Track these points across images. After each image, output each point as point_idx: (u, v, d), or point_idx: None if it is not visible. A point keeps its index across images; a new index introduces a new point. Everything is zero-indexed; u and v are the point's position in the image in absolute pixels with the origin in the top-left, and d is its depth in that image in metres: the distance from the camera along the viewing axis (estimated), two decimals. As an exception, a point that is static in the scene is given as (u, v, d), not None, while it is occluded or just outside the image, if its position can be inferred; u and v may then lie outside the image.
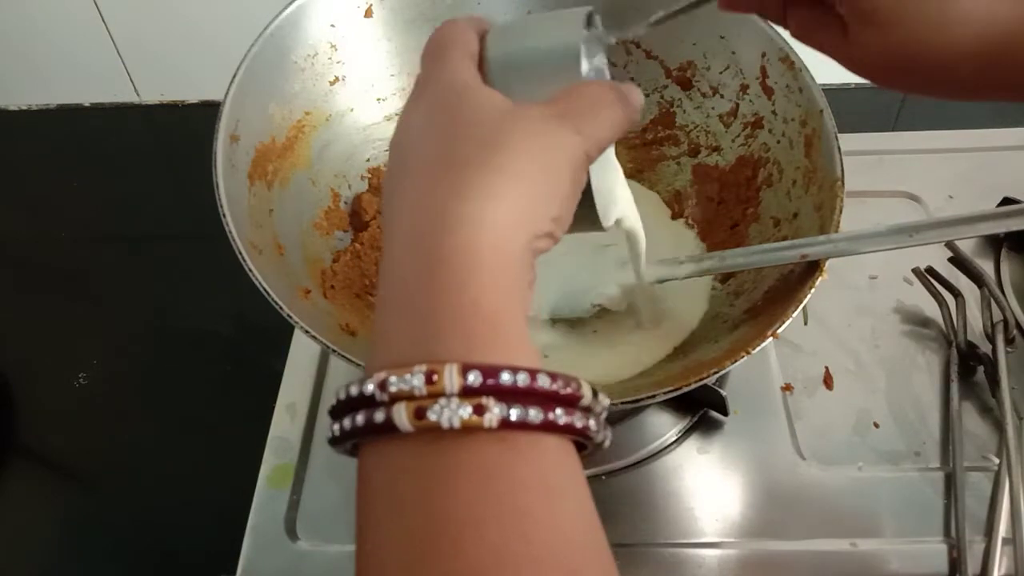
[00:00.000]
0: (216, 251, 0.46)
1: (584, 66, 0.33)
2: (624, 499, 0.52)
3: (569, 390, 0.24)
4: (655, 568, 0.50)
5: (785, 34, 0.54)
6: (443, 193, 0.27)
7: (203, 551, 0.54)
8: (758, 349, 0.43)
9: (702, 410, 0.56)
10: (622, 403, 0.43)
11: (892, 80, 0.34)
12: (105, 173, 0.81)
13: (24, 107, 0.87)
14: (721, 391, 0.54)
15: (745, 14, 0.51)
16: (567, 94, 0.31)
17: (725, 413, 0.55)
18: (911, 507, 0.52)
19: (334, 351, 0.42)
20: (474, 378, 0.23)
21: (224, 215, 0.45)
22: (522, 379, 0.23)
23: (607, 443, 0.26)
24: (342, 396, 0.25)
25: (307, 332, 0.42)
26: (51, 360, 0.66)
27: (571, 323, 0.55)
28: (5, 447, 0.61)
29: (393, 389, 0.23)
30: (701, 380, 0.42)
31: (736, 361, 0.43)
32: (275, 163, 0.52)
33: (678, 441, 0.56)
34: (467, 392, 0.23)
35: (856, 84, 0.84)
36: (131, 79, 0.84)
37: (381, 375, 0.24)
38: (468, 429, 0.23)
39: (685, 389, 0.42)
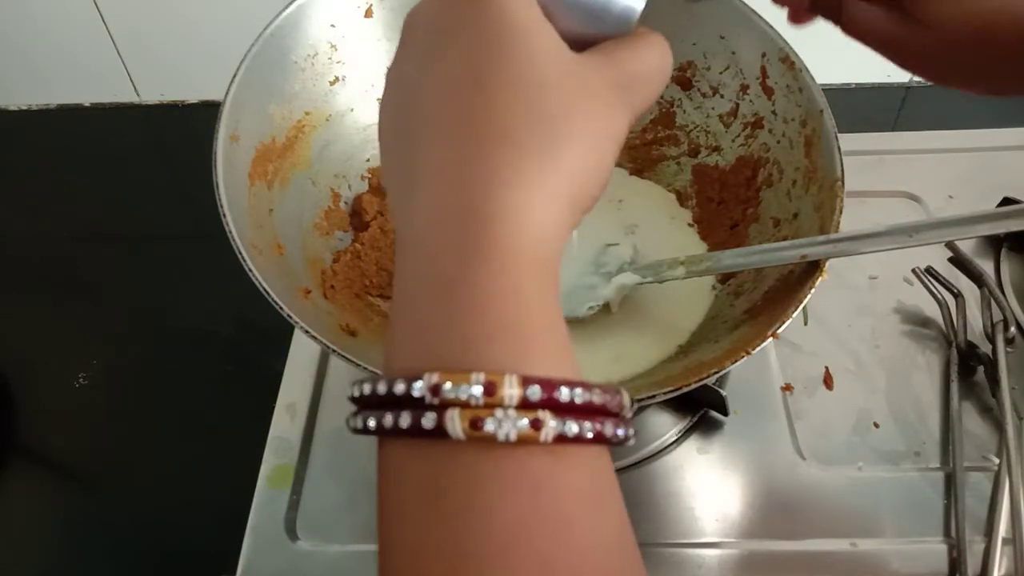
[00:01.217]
0: (216, 251, 0.46)
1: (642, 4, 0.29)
2: (624, 499, 0.52)
3: (616, 403, 0.24)
4: (655, 568, 0.50)
5: (785, 34, 0.54)
6: (487, 173, 0.24)
7: (203, 551, 0.54)
8: (758, 349, 0.43)
9: (702, 410, 0.56)
10: (622, 403, 0.43)
11: (952, 67, 0.34)
12: (105, 173, 0.81)
13: (24, 107, 0.87)
14: (721, 391, 0.54)
15: (748, 14, 0.52)
16: (631, 54, 0.28)
17: (725, 413, 0.55)
18: (911, 507, 0.52)
19: (334, 351, 0.42)
20: (533, 392, 0.22)
21: (224, 215, 0.45)
22: (579, 395, 0.23)
23: (631, 442, 0.26)
24: (381, 390, 0.23)
25: (307, 332, 0.42)
26: (51, 360, 0.66)
27: (571, 323, 0.55)
28: (5, 447, 0.61)
29: (449, 396, 0.22)
30: (701, 380, 0.42)
31: (736, 361, 0.43)
32: (275, 163, 0.52)
33: (678, 441, 0.56)
34: (525, 405, 0.22)
35: (856, 84, 0.84)
36: (131, 79, 0.84)
37: (433, 378, 0.22)
38: (521, 441, 0.22)
39: (685, 389, 0.42)
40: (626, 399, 0.25)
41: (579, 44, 0.28)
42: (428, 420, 0.22)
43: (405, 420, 0.23)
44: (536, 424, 0.22)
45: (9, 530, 0.58)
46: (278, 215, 0.51)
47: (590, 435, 0.23)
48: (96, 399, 0.63)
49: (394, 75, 0.28)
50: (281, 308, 0.42)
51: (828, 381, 0.59)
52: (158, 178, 0.83)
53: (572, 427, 0.22)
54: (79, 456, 0.61)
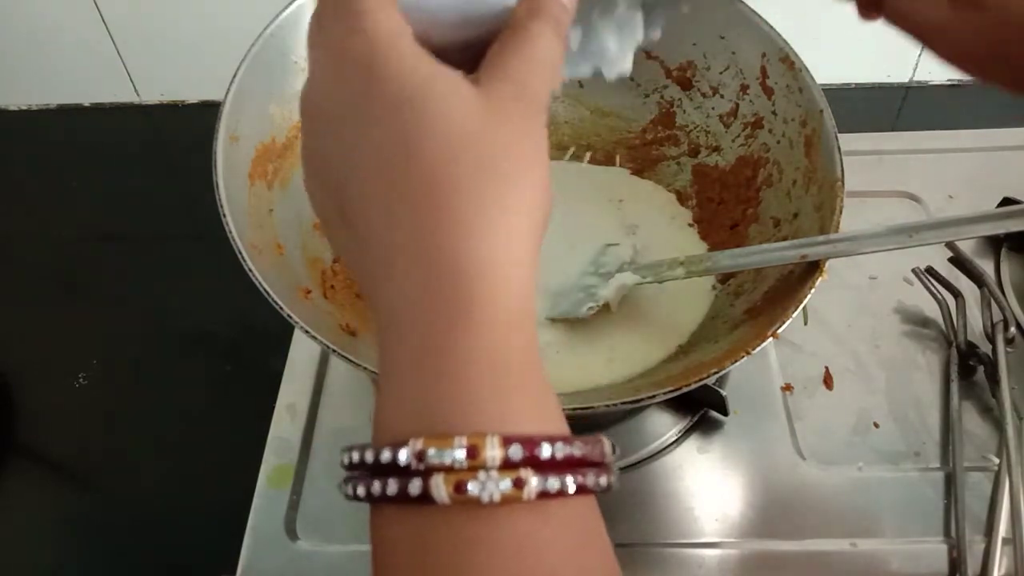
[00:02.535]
0: (216, 251, 0.46)
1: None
2: (624, 499, 0.52)
3: (597, 452, 0.24)
4: (655, 568, 0.50)
5: (785, 34, 0.54)
6: (446, 238, 0.24)
7: (203, 551, 0.54)
8: (758, 349, 0.43)
9: (702, 410, 0.56)
10: (622, 403, 0.43)
11: (1001, 59, 0.32)
12: (105, 173, 0.81)
13: (24, 107, 0.87)
14: (721, 391, 0.54)
15: (748, 14, 0.51)
16: (526, 65, 0.27)
17: (725, 413, 0.55)
18: (911, 507, 0.52)
19: (334, 351, 0.42)
20: (515, 452, 0.22)
21: (224, 215, 0.45)
22: (560, 450, 0.23)
23: (615, 488, 0.26)
24: (369, 458, 0.24)
25: (307, 332, 0.42)
26: (51, 360, 0.66)
27: (571, 323, 0.55)
28: (5, 447, 0.61)
29: (434, 462, 0.23)
30: (701, 380, 0.42)
31: (736, 361, 0.43)
32: (275, 163, 0.52)
33: (678, 441, 0.56)
34: (507, 465, 0.22)
35: (856, 84, 0.84)
36: (131, 79, 0.84)
37: (418, 445, 0.23)
38: (505, 501, 0.22)
39: (685, 389, 0.42)
40: (607, 447, 0.25)
41: (462, 48, 0.28)
42: (414, 487, 0.23)
43: (392, 487, 0.23)
44: (519, 483, 0.22)
45: (9, 530, 0.58)
46: (278, 215, 0.51)
47: (572, 489, 0.23)
48: (96, 399, 0.63)
49: (316, 164, 0.27)
50: (281, 308, 0.42)
51: (828, 381, 0.59)
52: (158, 178, 0.83)
53: (554, 483, 0.23)
54: (79, 456, 0.61)
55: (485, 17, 0.28)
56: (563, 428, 0.25)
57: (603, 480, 0.24)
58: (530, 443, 0.23)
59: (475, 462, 0.22)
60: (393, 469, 0.23)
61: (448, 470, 0.22)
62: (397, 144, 0.25)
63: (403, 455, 0.23)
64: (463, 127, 0.25)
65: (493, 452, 0.22)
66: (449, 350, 0.24)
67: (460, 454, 0.22)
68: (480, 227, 0.24)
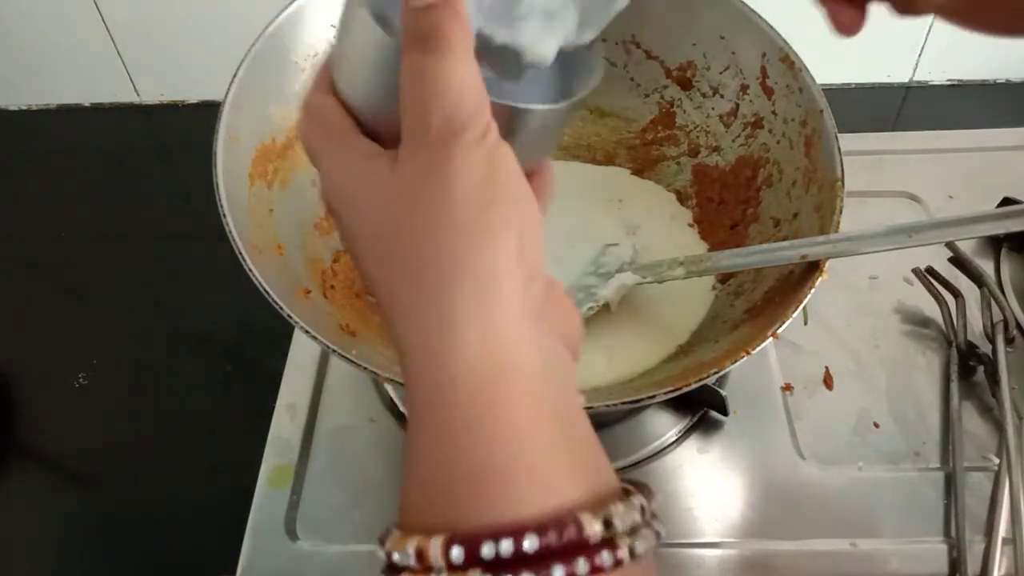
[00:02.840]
0: (216, 251, 0.46)
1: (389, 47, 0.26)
2: (624, 499, 0.52)
3: (569, 537, 0.22)
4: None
5: (785, 34, 0.54)
6: (439, 313, 0.24)
7: (203, 551, 0.54)
8: (758, 349, 0.43)
9: (702, 410, 0.56)
10: (622, 403, 0.43)
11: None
12: (105, 173, 0.81)
13: (24, 107, 0.87)
14: (721, 391, 0.54)
15: (748, 14, 0.51)
16: (411, 105, 0.25)
17: (725, 413, 0.55)
18: (911, 507, 0.52)
19: (334, 351, 0.42)
20: (457, 554, 0.21)
21: (224, 215, 0.45)
22: (505, 548, 0.21)
23: (662, 535, 0.25)
24: (380, 555, 0.24)
25: (307, 332, 0.42)
26: (51, 360, 0.66)
27: (571, 323, 0.55)
28: (5, 447, 0.61)
29: (398, 563, 0.23)
30: (701, 380, 0.42)
31: (736, 361, 0.43)
32: (275, 163, 0.52)
33: (678, 441, 0.56)
34: (454, 568, 0.22)
35: (856, 84, 0.84)
36: (131, 79, 0.84)
37: (387, 544, 0.23)
38: None
39: (685, 389, 0.42)
40: (589, 525, 0.22)
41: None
42: None
43: None
44: None
45: (9, 530, 0.58)
46: (278, 215, 0.51)
47: None
48: (96, 399, 0.63)
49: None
50: (281, 308, 0.42)
51: (828, 381, 0.59)
52: (158, 178, 0.83)
53: None
54: (79, 456, 0.61)
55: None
56: (545, 514, 0.23)
57: (582, 567, 0.22)
58: (472, 543, 0.21)
59: (424, 564, 0.22)
60: (389, 567, 0.23)
61: (413, 571, 0.22)
62: (362, 271, 0.27)
63: (381, 554, 0.24)
64: (375, 206, 0.26)
65: (436, 556, 0.22)
66: (411, 443, 0.24)
67: (410, 559, 0.22)
68: (424, 308, 0.25)
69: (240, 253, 0.44)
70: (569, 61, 0.30)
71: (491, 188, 0.25)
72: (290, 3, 0.53)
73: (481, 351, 0.24)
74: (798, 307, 0.44)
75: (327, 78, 0.29)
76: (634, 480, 0.25)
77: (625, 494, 0.24)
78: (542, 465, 0.23)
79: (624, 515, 0.23)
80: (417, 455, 0.24)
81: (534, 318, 0.25)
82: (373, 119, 0.28)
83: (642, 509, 0.24)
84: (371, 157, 0.26)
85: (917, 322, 0.62)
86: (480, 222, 0.24)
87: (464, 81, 0.24)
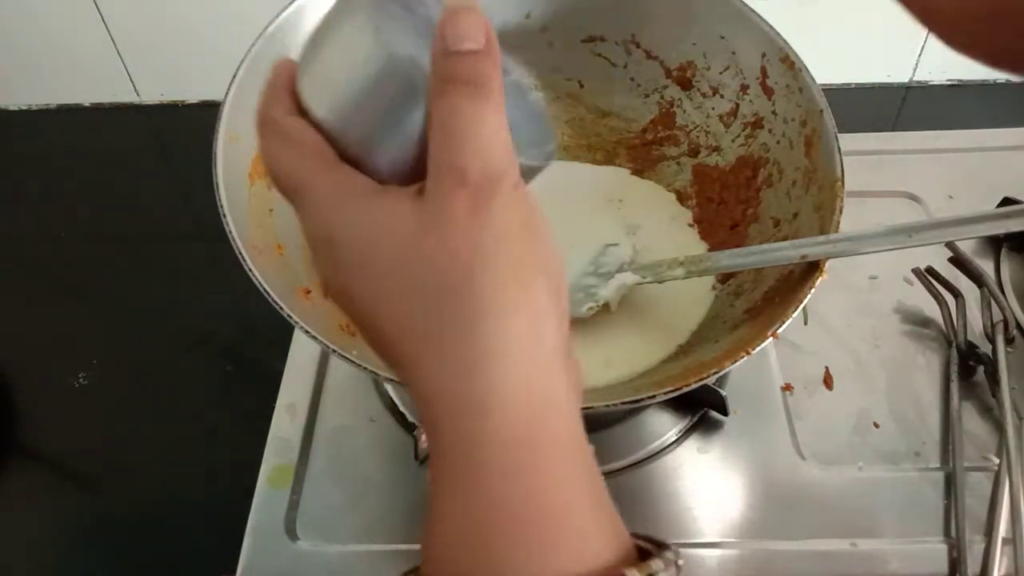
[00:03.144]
0: (216, 251, 0.46)
1: (409, 79, 0.25)
2: (624, 499, 0.52)
3: None
4: (655, 568, 0.50)
5: (785, 34, 0.54)
6: (465, 367, 0.24)
7: (203, 551, 0.54)
8: (758, 349, 0.43)
9: (702, 410, 0.56)
10: (622, 403, 0.43)
11: (972, 37, 0.30)
12: (105, 173, 0.81)
13: (24, 107, 0.87)
14: (721, 391, 0.54)
15: (748, 14, 0.51)
16: (444, 148, 0.24)
17: (725, 413, 0.55)
18: (911, 507, 0.52)
19: (334, 351, 0.42)
20: None
21: (224, 215, 0.45)
22: None
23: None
24: None
25: (307, 332, 0.42)
26: (51, 360, 0.66)
27: (571, 323, 0.55)
28: (5, 447, 0.61)
29: None
30: (701, 380, 0.42)
31: (736, 361, 0.43)
32: (275, 163, 0.52)
33: (678, 441, 0.56)
34: None
35: (856, 84, 0.84)
36: (131, 79, 0.84)
37: None
38: None
39: (685, 389, 0.42)
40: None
41: (409, 150, 0.26)
42: None
43: None
44: None
45: (9, 530, 0.58)
46: (278, 215, 0.51)
47: None
48: (96, 399, 0.63)
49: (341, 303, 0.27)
50: (281, 308, 0.42)
51: (828, 381, 0.59)
52: (158, 178, 0.83)
53: None
54: (79, 456, 0.61)
55: (407, 119, 0.26)
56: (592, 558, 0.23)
57: None
58: None
59: None
60: None
61: None
62: (369, 302, 0.25)
63: None
64: (404, 261, 0.24)
65: None
66: (462, 481, 0.23)
67: None
68: (462, 365, 0.24)
69: (240, 253, 0.44)
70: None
71: (530, 231, 0.25)
72: (290, 3, 0.53)
73: (527, 397, 0.24)
74: (798, 307, 0.44)
75: (288, 95, 0.27)
76: (644, 535, 0.25)
77: (658, 547, 0.25)
78: (582, 515, 0.23)
79: (664, 571, 0.23)
80: (446, 503, 0.23)
81: (565, 357, 0.25)
82: (358, 150, 0.26)
83: (676, 565, 0.24)
84: (380, 195, 0.25)
85: (917, 322, 0.62)
86: (526, 262, 0.24)
87: (503, 128, 0.25)
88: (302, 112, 0.27)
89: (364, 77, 0.25)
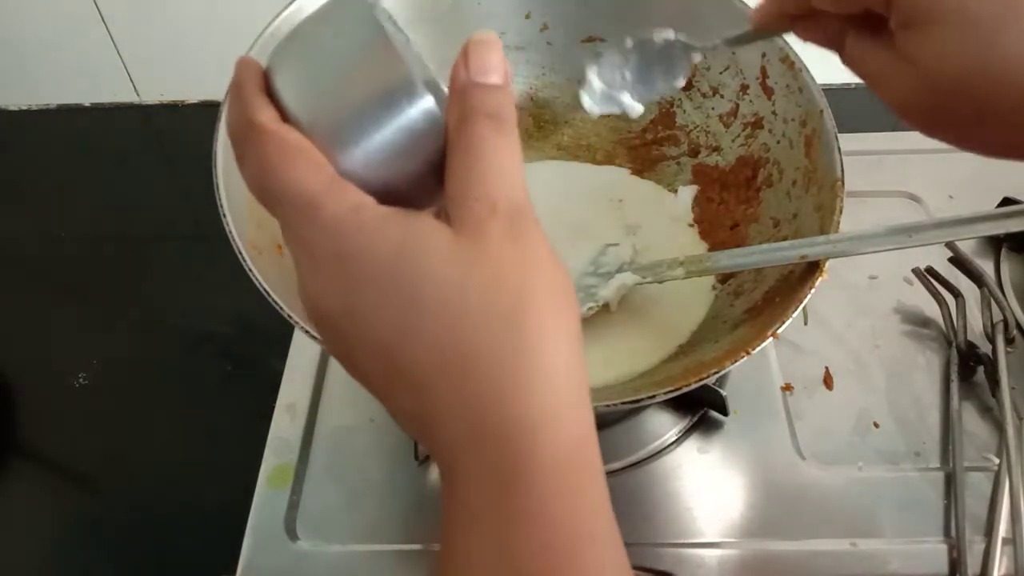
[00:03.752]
0: (216, 251, 0.46)
1: (429, 101, 0.25)
2: (624, 499, 0.52)
3: None
4: (655, 568, 0.50)
5: (785, 34, 0.54)
6: (479, 404, 0.23)
7: (203, 551, 0.54)
8: (758, 349, 0.43)
9: (702, 410, 0.56)
10: (622, 403, 0.43)
11: (938, 116, 0.30)
12: (105, 173, 0.81)
13: (24, 107, 0.87)
14: (721, 391, 0.54)
15: (748, 14, 0.51)
16: (474, 181, 0.24)
17: (725, 413, 0.55)
18: (911, 507, 0.52)
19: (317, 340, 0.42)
20: None
21: (224, 215, 0.45)
22: None
23: None
24: None
25: (307, 332, 0.42)
26: (51, 360, 0.66)
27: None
28: (5, 447, 0.61)
29: None
30: (701, 380, 0.42)
31: (736, 361, 0.43)
32: (275, 163, 0.52)
33: (678, 441, 0.56)
34: None
35: (856, 84, 0.84)
36: (131, 79, 0.84)
37: None
38: None
39: (685, 389, 0.42)
40: None
41: (419, 175, 0.26)
42: None
43: None
44: None
45: (9, 530, 0.58)
46: (278, 215, 0.51)
47: None
48: (96, 399, 0.63)
49: (342, 357, 0.26)
50: (281, 308, 0.42)
51: (828, 381, 0.59)
52: (158, 178, 0.83)
53: None
54: (79, 456, 0.61)
55: (419, 142, 0.25)
56: None
57: None
58: None
59: None
60: None
61: None
62: (394, 330, 0.24)
63: None
64: (449, 287, 0.23)
65: None
66: (494, 521, 0.23)
67: None
68: (512, 390, 0.23)
69: (240, 253, 0.44)
70: None
71: (555, 258, 0.25)
72: (290, 3, 0.53)
73: (575, 421, 0.24)
74: (798, 307, 0.44)
75: (267, 102, 0.26)
76: (647, 568, 0.26)
77: None
78: (603, 545, 0.24)
79: None
80: (474, 546, 0.23)
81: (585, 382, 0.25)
82: (354, 164, 0.25)
83: None
84: (407, 222, 0.24)
85: (917, 322, 0.62)
86: (561, 289, 0.24)
87: (522, 164, 0.25)
88: (299, 127, 0.25)
89: (374, 86, 0.24)
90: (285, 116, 0.25)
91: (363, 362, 0.25)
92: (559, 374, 0.24)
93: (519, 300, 0.23)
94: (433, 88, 0.26)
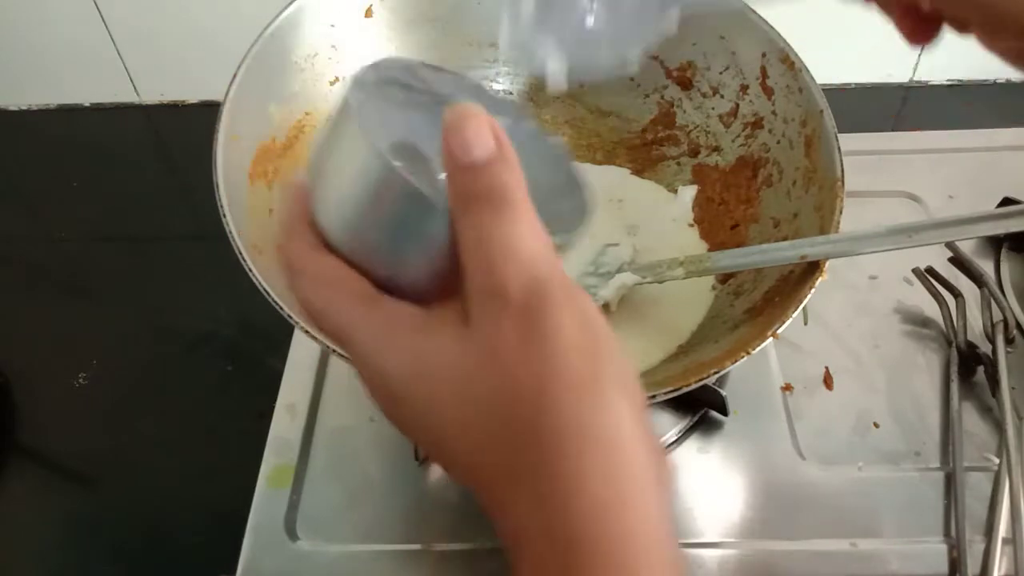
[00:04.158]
0: (216, 251, 0.46)
1: (441, 204, 0.24)
2: (624, 499, 0.52)
3: None
4: (655, 568, 0.50)
5: (785, 34, 0.54)
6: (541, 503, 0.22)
7: (203, 551, 0.54)
8: (758, 349, 0.43)
9: (702, 410, 0.56)
10: (622, 403, 0.43)
11: None
12: (105, 173, 0.81)
13: (24, 107, 0.87)
14: (721, 391, 0.54)
15: (748, 14, 0.51)
16: (486, 271, 0.23)
17: (725, 413, 0.55)
18: (911, 507, 0.52)
19: (334, 351, 0.42)
20: None
21: (224, 215, 0.45)
22: None
23: None
24: None
25: (307, 332, 0.42)
26: (51, 360, 0.66)
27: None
28: (5, 447, 0.61)
29: None
30: (701, 380, 0.42)
31: (736, 361, 0.43)
32: (275, 163, 0.52)
33: (678, 441, 0.56)
34: None
35: (856, 84, 0.84)
36: (131, 79, 0.84)
37: None
38: None
39: (685, 389, 0.42)
40: None
41: (436, 264, 0.25)
42: None
43: None
44: None
45: (9, 530, 0.58)
46: (278, 215, 0.51)
47: None
48: (96, 399, 0.63)
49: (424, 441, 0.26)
50: (281, 308, 0.42)
51: (828, 381, 0.59)
52: (158, 178, 0.83)
53: None
54: (79, 456, 0.61)
55: (423, 226, 0.25)
56: None
57: None
58: None
59: None
60: None
61: None
62: (435, 447, 0.24)
63: None
64: (465, 406, 0.23)
65: None
66: None
67: None
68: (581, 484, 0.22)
69: (240, 253, 0.44)
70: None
71: (589, 335, 0.23)
72: (290, 3, 0.53)
73: (618, 534, 0.22)
74: (798, 307, 0.44)
75: (307, 225, 0.26)
76: None
77: None
78: None
79: None
80: None
81: (657, 472, 0.23)
82: (385, 270, 0.25)
83: None
84: (428, 330, 0.24)
85: (917, 322, 0.62)
86: (595, 376, 0.23)
87: (536, 236, 0.23)
88: (332, 246, 0.26)
89: (368, 195, 0.24)
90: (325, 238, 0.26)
91: (439, 462, 0.26)
92: (593, 482, 0.22)
93: (538, 402, 0.22)
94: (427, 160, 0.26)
